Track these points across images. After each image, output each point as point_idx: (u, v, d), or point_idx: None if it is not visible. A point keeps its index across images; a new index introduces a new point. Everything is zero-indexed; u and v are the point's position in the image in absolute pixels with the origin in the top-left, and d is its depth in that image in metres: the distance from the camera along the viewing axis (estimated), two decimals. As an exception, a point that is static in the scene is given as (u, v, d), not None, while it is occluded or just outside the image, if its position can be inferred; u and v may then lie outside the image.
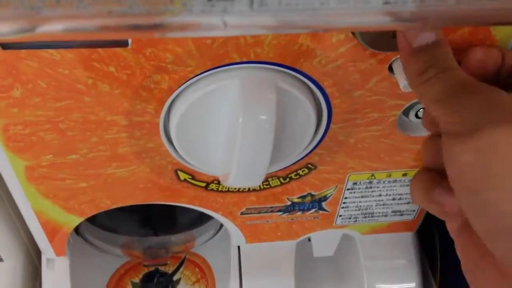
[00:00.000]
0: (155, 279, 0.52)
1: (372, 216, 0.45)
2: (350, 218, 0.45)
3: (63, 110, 0.31)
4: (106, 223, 0.50)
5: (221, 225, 0.51)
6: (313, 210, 0.43)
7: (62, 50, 0.27)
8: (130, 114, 0.32)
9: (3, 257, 0.45)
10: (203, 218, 0.51)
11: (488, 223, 0.22)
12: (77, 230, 0.48)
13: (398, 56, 0.30)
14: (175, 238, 0.52)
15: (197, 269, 0.52)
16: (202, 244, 0.53)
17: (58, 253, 0.45)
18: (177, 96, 0.31)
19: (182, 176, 0.38)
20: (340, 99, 0.33)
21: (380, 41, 0.28)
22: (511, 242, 0.21)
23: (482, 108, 0.22)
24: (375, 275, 0.50)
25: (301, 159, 0.37)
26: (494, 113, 0.22)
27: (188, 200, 0.40)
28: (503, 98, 0.23)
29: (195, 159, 0.35)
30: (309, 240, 0.51)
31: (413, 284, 0.50)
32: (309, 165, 0.38)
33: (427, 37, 0.25)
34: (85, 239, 0.50)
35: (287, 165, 0.38)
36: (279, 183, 0.40)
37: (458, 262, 0.47)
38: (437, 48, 0.25)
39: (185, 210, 0.52)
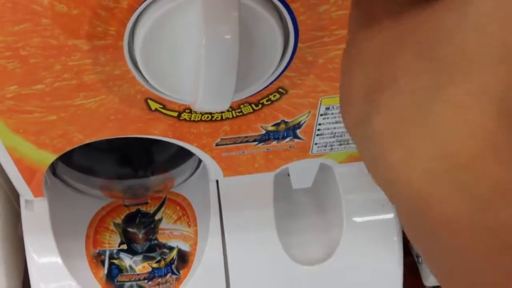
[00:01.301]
0: (137, 219, 0.53)
1: (347, 143, 0.45)
2: (325, 146, 0.45)
3: (21, 35, 0.30)
4: (84, 165, 0.50)
5: (199, 164, 0.51)
6: (288, 139, 0.43)
7: (13, -33, 0.27)
8: (92, 37, 0.31)
9: (-20, 201, 0.45)
10: (181, 157, 0.51)
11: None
12: (54, 171, 0.48)
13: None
14: (154, 178, 0.52)
15: (178, 207, 0.53)
16: (182, 183, 0.53)
17: (36, 194, 0.45)
18: (139, 16, 0.31)
19: (153, 105, 0.37)
20: (306, 15, 0.32)
21: None
22: None
23: None
24: (354, 206, 0.50)
25: (271, 83, 0.37)
26: None
27: (161, 132, 0.40)
28: None
29: (164, 84, 0.34)
30: (288, 175, 0.51)
31: (392, 215, 0.51)
32: (279, 89, 0.38)
33: None
34: (64, 181, 0.50)
35: (258, 90, 0.37)
36: (251, 110, 0.39)
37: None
38: None
39: (163, 150, 0.52)
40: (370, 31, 0.19)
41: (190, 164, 0.51)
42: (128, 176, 0.51)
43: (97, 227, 0.51)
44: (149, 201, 0.52)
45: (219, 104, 0.33)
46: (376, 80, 0.19)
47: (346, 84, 0.21)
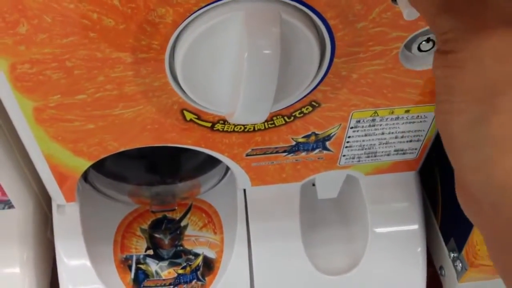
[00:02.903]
0: (163, 225, 0.53)
1: (375, 156, 0.46)
2: (353, 158, 0.45)
3: (69, 47, 0.31)
4: (114, 171, 0.51)
5: (226, 171, 0.52)
6: (317, 150, 0.44)
7: (66, -17, 0.27)
8: (136, 50, 0.32)
9: (14, 205, 0.46)
10: (208, 165, 0.52)
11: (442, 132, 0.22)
12: (86, 177, 0.49)
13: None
14: (181, 184, 0.53)
15: (203, 215, 0.53)
16: (208, 191, 0.54)
17: (68, 199, 0.46)
18: (182, 31, 0.31)
19: (188, 116, 0.38)
20: (343, 32, 0.33)
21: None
22: (468, 155, 0.21)
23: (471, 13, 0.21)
24: (379, 217, 0.51)
25: (304, 96, 0.38)
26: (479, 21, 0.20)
27: (194, 142, 0.41)
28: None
29: (201, 96, 0.35)
30: (313, 185, 0.52)
31: (416, 226, 0.52)
32: (312, 103, 0.39)
33: None
34: (94, 187, 0.51)
35: (292, 103, 0.38)
36: (283, 122, 0.40)
37: (457, 203, 0.48)
38: None
39: (191, 157, 0.53)
40: (482, 36, 0.20)
41: (217, 171, 0.52)
42: (157, 182, 0.52)
43: (124, 232, 0.52)
44: (176, 207, 0.53)
45: (256, 117, 0.34)
46: (495, 81, 0.19)
47: (459, 80, 0.21)
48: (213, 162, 0.51)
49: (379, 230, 0.51)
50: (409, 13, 0.29)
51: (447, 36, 0.21)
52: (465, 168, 0.20)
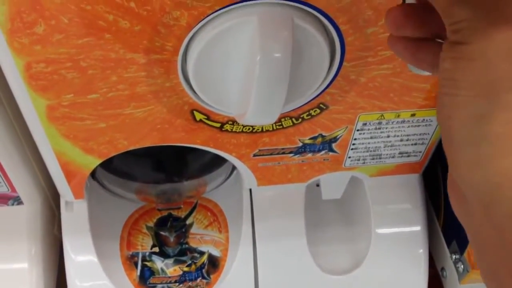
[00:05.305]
0: (169, 223, 0.54)
1: (380, 158, 0.46)
2: (358, 160, 0.46)
3: (84, 48, 0.32)
4: (122, 169, 0.52)
5: (232, 171, 0.52)
6: (323, 152, 0.45)
7: (85, -15, 0.28)
8: (149, 52, 0.33)
9: (23, 201, 0.47)
10: (214, 164, 0.53)
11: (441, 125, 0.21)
12: (93, 175, 0.50)
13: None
14: (187, 183, 0.54)
15: (209, 213, 0.54)
16: (214, 189, 0.55)
17: (77, 196, 0.47)
18: (195, 34, 0.32)
19: (198, 116, 0.39)
20: (354, 36, 0.34)
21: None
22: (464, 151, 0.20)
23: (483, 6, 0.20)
24: (382, 218, 0.52)
25: (313, 98, 0.38)
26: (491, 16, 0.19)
27: (203, 142, 0.42)
28: None
29: (212, 98, 0.36)
30: (317, 185, 0.53)
31: (419, 228, 0.52)
32: (321, 105, 0.39)
33: None
34: (102, 185, 0.51)
35: (300, 105, 0.39)
36: (291, 124, 0.41)
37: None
38: None
39: (197, 156, 0.53)
40: (495, 30, 0.19)
41: (223, 170, 0.53)
42: (163, 181, 0.53)
43: (130, 229, 0.53)
44: (182, 206, 0.54)
45: (267, 118, 0.35)
46: (503, 78, 0.19)
47: (466, 73, 0.20)
48: (219, 161, 0.52)
49: (382, 231, 0.51)
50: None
51: (460, 26, 0.20)
52: (461, 164, 0.20)
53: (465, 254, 0.48)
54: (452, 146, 0.20)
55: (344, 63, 0.36)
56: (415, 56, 0.24)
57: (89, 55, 0.32)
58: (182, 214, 0.55)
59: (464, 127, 0.20)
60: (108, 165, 0.50)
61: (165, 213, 0.55)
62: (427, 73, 0.37)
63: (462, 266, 0.48)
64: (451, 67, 0.20)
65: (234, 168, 0.51)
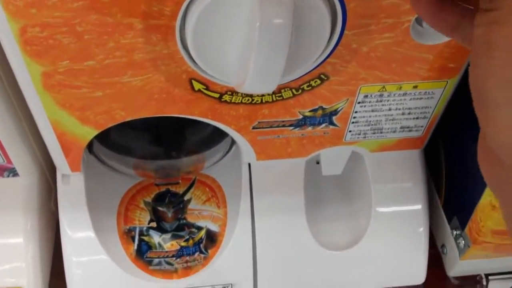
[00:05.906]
0: (167, 198, 0.54)
1: (381, 132, 0.46)
2: (359, 134, 0.45)
3: (80, 11, 0.31)
4: (119, 144, 0.51)
5: (231, 147, 0.52)
6: (323, 125, 0.44)
7: None
8: (147, 16, 0.32)
9: (19, 172, 0.46)
10: (213, 140, 0.52)
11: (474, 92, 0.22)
12: (91, 150, 0.49)
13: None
14: (186, 159, 0.53)
15: (207, 189, 0.54)
16: (212, 165, 0.54)
17: (73, 168, 0.46)
18: (193, -2, 0.31)
19: (197, 86, 0.38)
20: (356, 3, 0.33)
21: None
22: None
23: None
24: (382, 195, 0.51)
25: (314, 68, 0.38)
26: None
27: (201, 113, 0.41)
28: None
29: (211, 66, 0.35)
30: (317, 163, 0.52)
31: (419, 205, 0.52)
32: (321, 76, 0.39)
33: None
34: (99, 159, 0.51)
35: (301, 75, 0.38)
36: (291, 95, 0.40)
37: (462, 181, 0.48)
38: None
39: (196, 132, 0.53)
40: None
41: (222, 146, 0.52)
42: (161, 156, 0.52)
43: (128, 204, 0.53)
44: (180, 181, 0.53)
45: (266, 86, 0.34)
46: None
47: (501, 36, 0.20)
48: (218, 136, 0.51)
49: (382, 208, 0.51)
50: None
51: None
52: (499, 125, 0.20)
53: (466, 230, 0.47)
54: (489, 108, 0.21)
55: (346, 32, 0.35)
56: (436, 16, 0.24)
57: (85, 19, 0.32)
58: (180, 189, 0.54)
59: (500, 88, 0.20)
60: (106, 140, 0.50)
61: (163, 189, 0.54)
62: (430, 42, 0.37)
63: (463, 241, 0.48)
64: (485, 32, 0.21)
65: (232, 143, 0.51)
